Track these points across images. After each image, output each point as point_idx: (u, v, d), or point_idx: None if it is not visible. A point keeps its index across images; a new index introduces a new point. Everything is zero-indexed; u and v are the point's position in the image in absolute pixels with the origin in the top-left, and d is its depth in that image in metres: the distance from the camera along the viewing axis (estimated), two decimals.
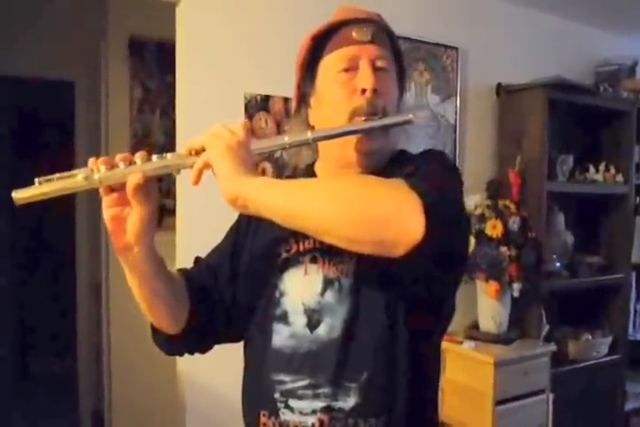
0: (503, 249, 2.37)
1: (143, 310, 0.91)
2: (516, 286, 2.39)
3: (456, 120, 2.63)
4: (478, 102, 2.72)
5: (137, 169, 0.78)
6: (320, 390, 0.87)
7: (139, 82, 2.65)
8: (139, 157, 0.79)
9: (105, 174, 0.77)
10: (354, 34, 0.92)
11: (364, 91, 0.90)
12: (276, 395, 0.89)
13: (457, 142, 2.63)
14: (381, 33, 0.96)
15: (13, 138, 3.77)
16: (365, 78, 0.90)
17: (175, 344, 0.98)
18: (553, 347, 2.47)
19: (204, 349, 1.03)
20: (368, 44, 0.92)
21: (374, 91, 0.90)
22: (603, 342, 2.74)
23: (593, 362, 2.68)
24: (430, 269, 0.78)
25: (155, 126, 2.69)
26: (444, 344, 2.43)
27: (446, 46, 2.59)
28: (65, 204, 3.28)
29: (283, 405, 0.89)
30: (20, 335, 3.89)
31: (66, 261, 3.49)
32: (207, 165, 0.79)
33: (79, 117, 3.20)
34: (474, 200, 2.53)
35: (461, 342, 2.40)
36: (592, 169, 2.82)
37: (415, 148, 2.57)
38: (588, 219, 3.00)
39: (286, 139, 0.85)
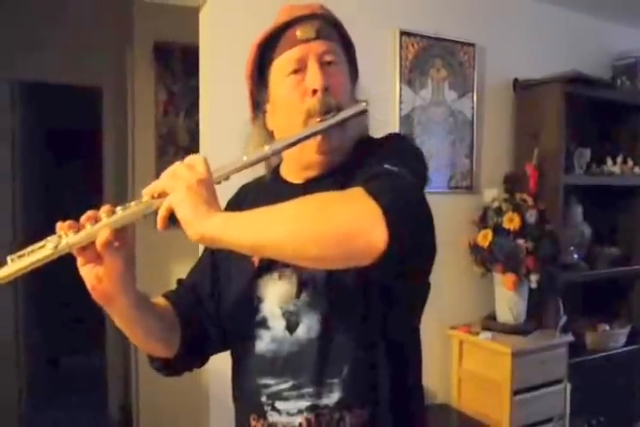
0: (520, 241, 2.41)
1: (136, 344, 0.94)
2: (534, 278, 2.43)
3: (473, 115, 2.67)
4: (495, 98, 2.75)
5: (103, 225, 0.77)
6: (304, 390, 0.88)
7: (163, 85, 2.73)
8: (103, 212, 0.78)
9: (73, 239, 0.76)
10: (298, 33, 0.92)
11: (314, 91, 0.91)
12: (263, 398, 0.91)
13: (474, 137, 2.67)
14: (326, 26, 0.95)
15: (44, 142, 3.90)
16: (314, 78, 0.91)
17: (172, 367, 1.00)
18: (570, 338, 2.51)
19: (200, 364, 1.05)
20: (313, 42, 0.92)
21: (325, 89, 0.90)
22: (621, 332, 2.76)
23: (611, 352, 2.70)
24: (401, 266, 0.77)
25: (179, 128, 2.78)
26: (461, 335, 2.52)
27: (463, 43, 2.62)
28: (94, 191, 3.39)
29: (269, 407, 0.91)
30: (51, 331, 4.01)
31: None
32: (170, 210, 0.78)
33: (107, 121, 3.32)
34: (491, 194, 2.58)
35: (478, 333, 2.46)
36: (609, 161, 2.84)
37: (434, 142, 2.61)
38: (606, 211, 3.02)
39: (245, 158, 0.85)
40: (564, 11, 2.94)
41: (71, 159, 4.33)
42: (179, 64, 2.74)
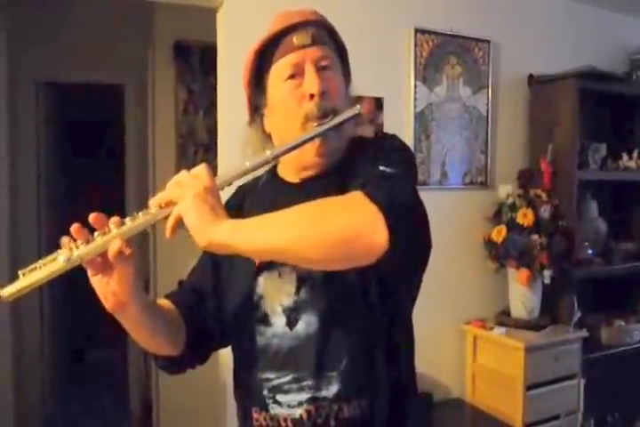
0: (534, 237, 2.43)
1: (143, 345, 0.96)
2: (547, 273, 2.45)
3: (488, 111, 2.68)
4: (510, 93, 2.76)
5: (113, 236, 0.79)
6: (304, 383, 0.92)
7: (183, 84, 2.77)
8: (112, 223, 0.80)
9: (84, 250, 0.77)
10: (294, 40, 0.95)
11: (312, 96, 0.94)
12: (264, 392, 0.95)
13: (489, 133, 2.68)
14: (321, 31, 0.98)
15: (68, 141, 3.98)
16: (311, 84, 0.94)
17: (177, 365, 1.03)
18: (584, 333, 2.51)
19: (203, 360, 1.08)
20: (309, 48, 0.95)
21: (322, 93, 0.94)
22: (636, 328, 2.75)
23: (626, 348, 2.70)
24: (401, 264, 0.81)
25: (199, 126, 2.81)
26: (475, 330, 2.54)
27: (478, 39, 2.63)
28: (117, 189, 3.46)
29: (271, 400, 0.94)
30: (75, 325, 4.10)
31: None
32: (179, 219, 0.80)
33: (129, 118, 3.38)
34: (506, 189, 2.59)
35: (492, 328, 2.48)
36: (625, 157, 2.83)
37: (449, 138, 2.61)
38: (621, 206, 3.02)
39: (247, 164, 0.87)
40: (580, 5, 2.93)
41: (95, 156, 4.39)
42: (198, 63, 2.77)
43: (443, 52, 2.55)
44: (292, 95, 0.95)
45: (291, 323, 0.94)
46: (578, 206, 2.64)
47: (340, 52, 1.03)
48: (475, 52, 2.64)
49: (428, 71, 2.52)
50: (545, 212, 2.48)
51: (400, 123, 2.44)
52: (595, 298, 2.85)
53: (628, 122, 3.01)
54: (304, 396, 0.92)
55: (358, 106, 0.93)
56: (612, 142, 2.84)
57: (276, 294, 0.96)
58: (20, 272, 0.77)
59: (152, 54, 2.81)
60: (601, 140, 2.77)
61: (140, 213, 0.81)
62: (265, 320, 0.96)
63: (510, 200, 2.55)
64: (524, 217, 2.45)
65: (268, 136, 1.02)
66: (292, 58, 0.95)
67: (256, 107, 1.03)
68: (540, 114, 2.74)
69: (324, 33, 0.99)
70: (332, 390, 0.91)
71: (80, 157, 4.30)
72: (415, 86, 2.49)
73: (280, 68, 0.96)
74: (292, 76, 0.95)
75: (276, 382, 0.94)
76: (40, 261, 0.77)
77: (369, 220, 0.74)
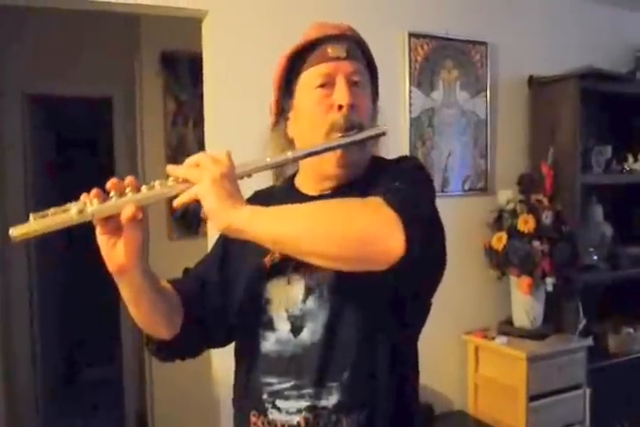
0: (536, 244, 2.36)
1: (139, 322, 0.96)
2: (550, 281, 2.38)
3: (486, 115, 2.62)
4: (510, 96, 2.69)
5: (129, 200, 0.80)
6: (304, 391, 0.92)
7: (171, 95, 2.76)
8: (128, 185, 0.81)
9: (98, 208, 0.79)
10: (329, 51, 0.97)
11: (340, 107, 0.95)
12: (264, 396, 0.95)
13: (488, 138, 2.62)
14: (355, 47, 0.99)
15: (56, 154, 3.99)
16: (342, 95, 0.95)
17: (169, 351, 1.03)
18: (589, 342, 2.45)
19: (195, 353, 1.08)
20: (343, 61, 0.97)
21: (350, 106, 0.94)
22: None
23: (634, 356, 2.63)
24: (411, 275, 0.81)
25: (188, 137, 2.80)
26: (477, 340, 2.48)
27: (474, 42, 2.57)
28: None
29: (270, 405, 0.94)
30: (70, 345, 4.14)
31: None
32: (194, 199, 0.81)
33: (117, 131, 3.34)
34: (506, 195, 2.53)
35: (494, 338, 2.42)
36: (630, 159, 2.75)
37: (448, 144, 2.54)
38: (628, 209, 2.94)
39: (268, 160, 0.89)
40: (579, 1, 2.85)
41: (84, 168, 4.35)
42: (187, 73, 2.75)
43: (438, 56, 2.50)
44: (320, 103, 0.96)
45: (295, 330, 0.94)
46: (582, 211, 2.57)
47: (371, 70, 1.04)
48: (471, 55, 2.58)
49: (423, 76, 2.47)
50: (546, 218, 2.41)
51: (395, 129, 2.39)
52: (601, 305, 2.78)
53: (633, 122, 2.92)
54: (303, 404, 0.91)
55: (385, 127, 0.95)
56: (617, 144, 2.76)
57: (283, 301, 0.96)
58: (31, 215, 0.78)
59: (139, 65, 2.79)
60: (605, 142, 2.69)
61: (157, 183, 0.83)
62: (269, 325, 0.97)
63: (511, 206, 2.49)
64: (525, 223, 2.39)
65: (290, 141, 1.03)
66: (324, 68, 0.96)
67: (282, 109, 1.04)
68: (541, 116, 2.67)
69: (358, 49, 1.00)
70: (331, 400, 0.91)
71: (68, 170, 4.27)
72: (410, 92, 2.44)
73: (311, 76, 0.98)
74: (321, 86, 0.97)
75: (276, 388, 0.94)
76: (52, 209, 0.78)
77: (387, 225, 0.76)
